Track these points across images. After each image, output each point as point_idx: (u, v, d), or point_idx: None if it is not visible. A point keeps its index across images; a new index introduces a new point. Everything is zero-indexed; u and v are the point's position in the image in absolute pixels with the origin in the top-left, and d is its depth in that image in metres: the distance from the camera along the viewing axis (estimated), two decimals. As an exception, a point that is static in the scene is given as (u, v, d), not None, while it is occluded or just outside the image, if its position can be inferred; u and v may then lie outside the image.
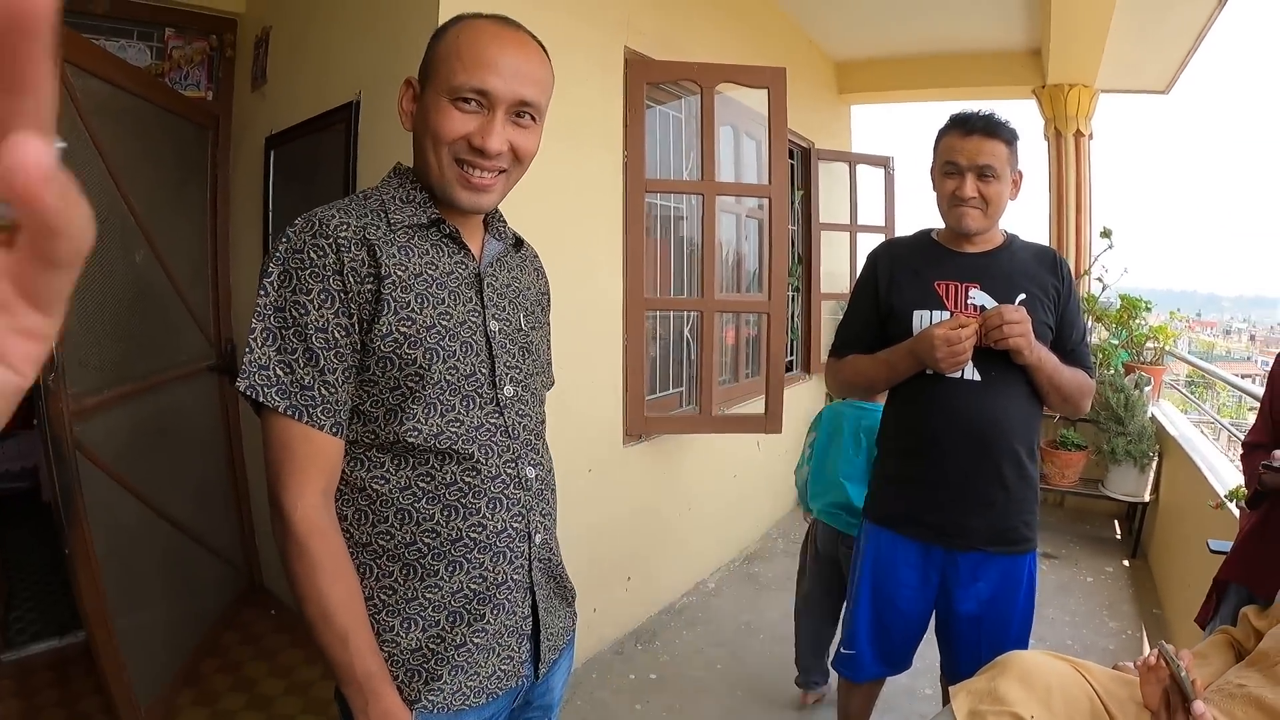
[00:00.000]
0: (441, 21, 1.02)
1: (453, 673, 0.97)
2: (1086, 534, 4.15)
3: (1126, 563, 3.75)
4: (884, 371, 1.72)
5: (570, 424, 2.53)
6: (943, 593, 1.75)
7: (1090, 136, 4.57)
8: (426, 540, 0.95)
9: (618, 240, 2.77)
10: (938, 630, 1.84)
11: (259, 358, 0.88)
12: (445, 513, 0.96)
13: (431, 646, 0.96)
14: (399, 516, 0.95)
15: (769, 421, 3.00)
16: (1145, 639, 2.97)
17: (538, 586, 1.06)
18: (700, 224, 2.89)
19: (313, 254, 0.89)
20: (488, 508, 0.98)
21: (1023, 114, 4.61)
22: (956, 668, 1.75)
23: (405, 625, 0.96)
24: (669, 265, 3.42)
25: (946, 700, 1.37)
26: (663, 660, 2.79)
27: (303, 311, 0.88)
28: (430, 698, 0.95)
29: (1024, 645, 1.72)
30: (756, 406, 3.15)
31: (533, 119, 0.98)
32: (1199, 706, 0.96)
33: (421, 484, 0.95)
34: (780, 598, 3.33)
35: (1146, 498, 3.82)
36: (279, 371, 0.88)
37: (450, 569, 0.97)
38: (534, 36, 1.00)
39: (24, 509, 3.98)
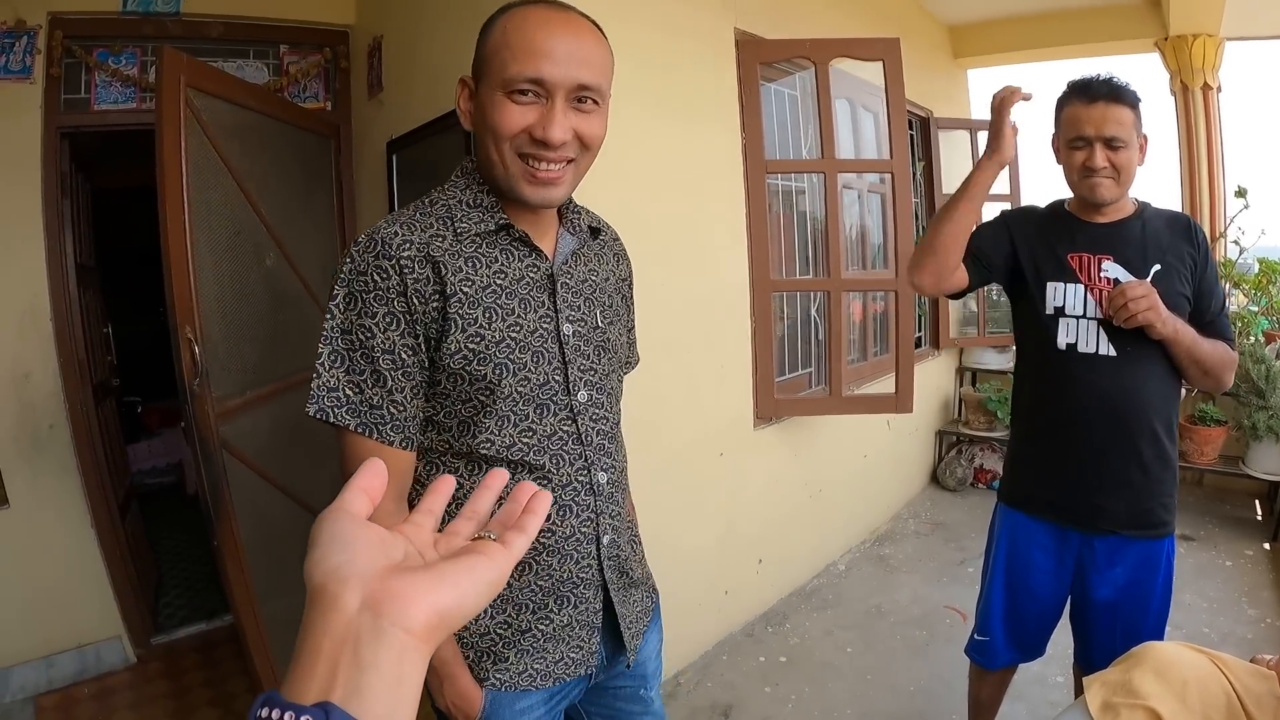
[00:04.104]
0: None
1: (519, 655, 1.03)
2: (1226, 514, 3.91)
3: (1267, 546, 3.51)
4: (959, 197, 1.77)
5: (701, 408, 2.56)
6: (1078, 577, 1.71)
7: (1219, 89, 4.25)
8: None
9: (741, 223, 2.76)
10: (1072, 616, 1.79)
11: (328, 381, 0.91)
12: None
13: (499, 632, 1.03)
14: None
15: (899, 401, 2.94)
16: (1288, 628, 2.78)
17: (610, 583, 1.08)
18: (823, 200, 2.85)
19: (376, 276, 0.90)
20: (558, 515, 1.01)
21: (1147, 69, 4.33)
22: (1090, 655, 1.71)
23: (475, 616, 1.00)
24: (792, 242, 3.38)
25: (1078, 689, 1.34)
26: (793, 643, 2.78)
27: (368, 335, 0.91)
28: (498, 676, 1.02)
29: (1160, 633, 1.66)
30: (886, 385, 3.10)
31: (595, 103, 0.93)
32: None
33: None
34: (910, 580, 3.28)
35: (1290, 476, 3.57)
36: (348, 392, 0.92)
37: (519, 570, 1.00)
38: (587, 17, 0.94)
39: (170, 502, 4.29)
